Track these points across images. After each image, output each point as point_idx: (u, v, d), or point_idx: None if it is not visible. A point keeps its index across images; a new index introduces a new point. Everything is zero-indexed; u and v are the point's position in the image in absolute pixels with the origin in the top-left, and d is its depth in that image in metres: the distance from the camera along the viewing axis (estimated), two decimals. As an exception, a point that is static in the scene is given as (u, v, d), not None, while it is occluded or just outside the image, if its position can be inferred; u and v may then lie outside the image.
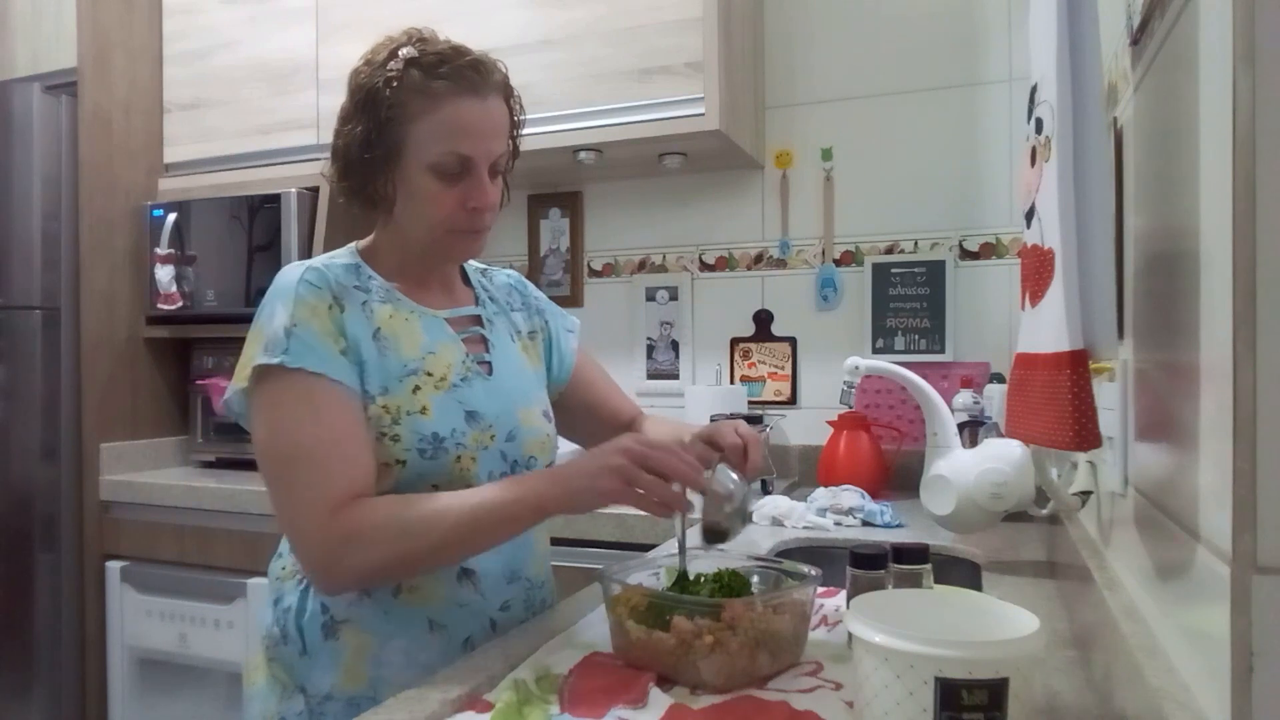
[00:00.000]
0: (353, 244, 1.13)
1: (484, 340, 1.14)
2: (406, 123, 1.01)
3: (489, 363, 1.12)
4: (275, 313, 1.00)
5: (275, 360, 0.97)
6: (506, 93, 1.08)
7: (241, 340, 1.05)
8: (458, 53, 1.04)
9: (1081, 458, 1.14)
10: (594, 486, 0.93)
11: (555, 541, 1.29)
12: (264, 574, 2.11)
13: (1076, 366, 0.74)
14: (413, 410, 1.02)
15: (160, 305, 2.46)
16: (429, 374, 1.05)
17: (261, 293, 1.04)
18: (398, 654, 1.01)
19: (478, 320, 1.16)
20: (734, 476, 1.01)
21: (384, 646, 1.01)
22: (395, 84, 1.01)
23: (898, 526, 1.70)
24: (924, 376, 1.51)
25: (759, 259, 2.36)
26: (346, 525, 0.94)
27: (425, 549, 0.96)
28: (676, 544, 1.04)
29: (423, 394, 1.03)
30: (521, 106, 1.11)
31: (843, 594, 1.19)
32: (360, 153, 1.03)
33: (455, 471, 1.04)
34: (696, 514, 1.01)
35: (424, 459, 1.01)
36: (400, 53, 1.02)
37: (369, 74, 1.04)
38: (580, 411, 1.29)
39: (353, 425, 0.99)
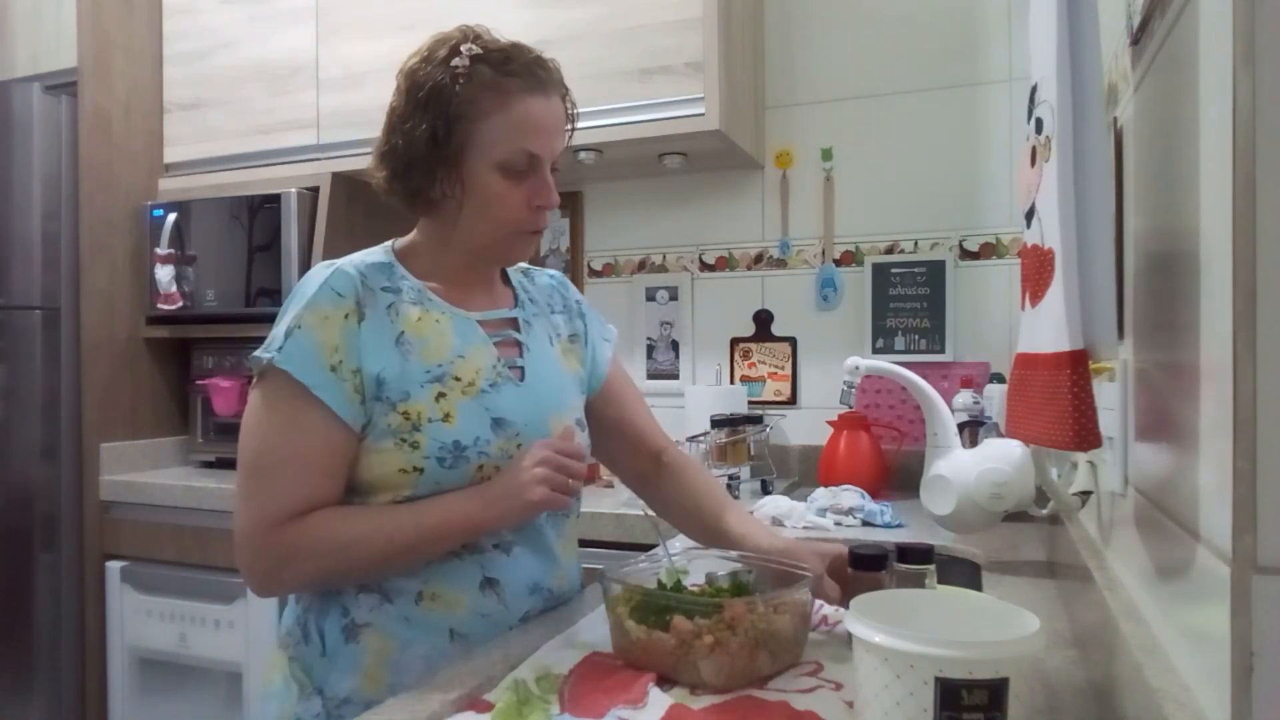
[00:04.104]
0: (389, 242, 1.11)
1: (518, 344, 1.11)
2: (477, 120, 1.00)
3: (521, 368, 1.09)
4: (288, 310, 1.00)
5: (267, 356, 0.97)
6: (564, 91, 1.07)
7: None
8: (520, 49, 1.03)
9: (1081, 458, 1.14)
10: (525, 500, 1.00)
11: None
12: (264, 574, 2.13)
13: (1076, 366, 0.74)
14: (435, 417, 1.00)
15: (160, 305, 2.46)
16: (456, 378, 1.02)
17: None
18: (417, 661, 1.00)
19: (514, 323, 1.13)
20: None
21: (404, 653, 1.00)
22: (464, 80, 0.99)
23: (898, 526, 1.70)
24: (924, 376, 1.51)
25: (759, 259, 2.36)
26: (285, 543, 0.96)
27: (358, 567, 0.99)
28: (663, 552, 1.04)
29: (447, 400, 1.01)
30: (574, 104, 1.09)
31: (843, 594, 1.19)
32: (427, 150, 1.01)
33: (476, 480, 1.02)
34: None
35: (443, 467, 0.99)
36: (462, 49, 1.01)
37: (429, 71, 1.01)
38: (605, 427, 1.23)
39: (319, 447, 0.98)
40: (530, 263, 1.25)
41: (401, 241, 1.11)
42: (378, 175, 1.07)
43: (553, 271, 1.28)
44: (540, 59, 1.04)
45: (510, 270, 1.20)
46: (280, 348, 0.97)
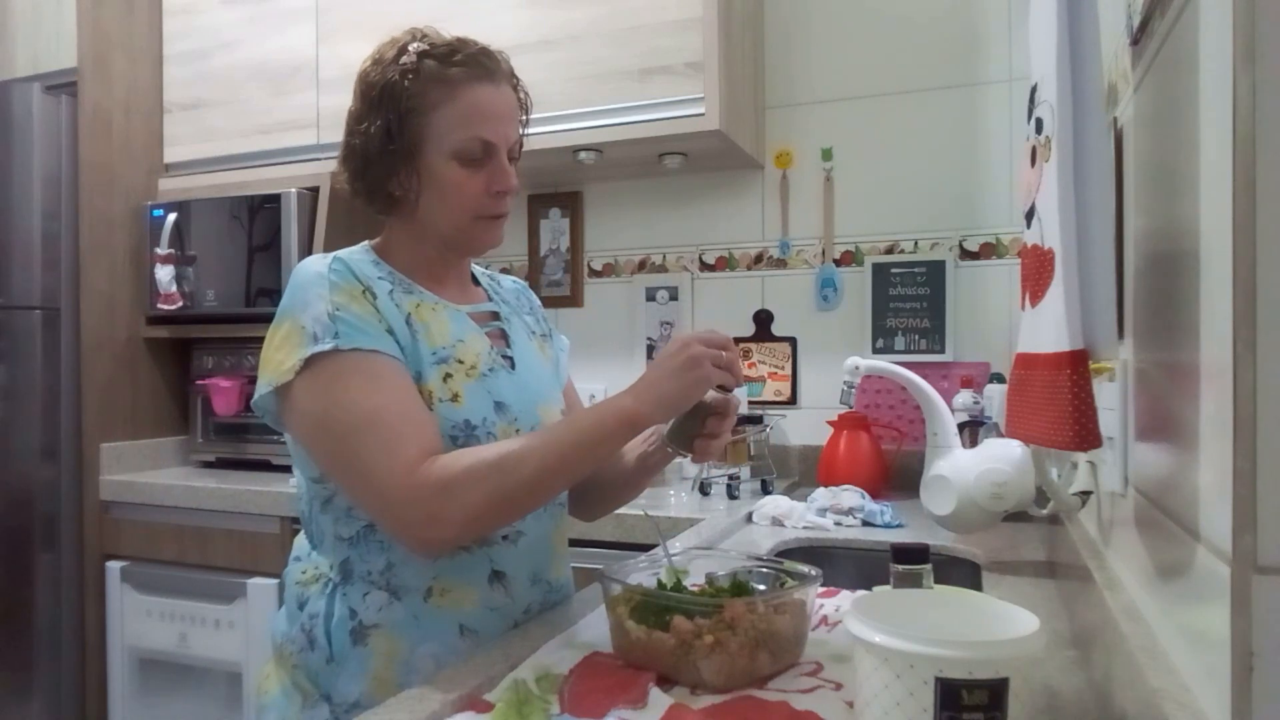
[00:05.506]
0: (364, 243, 1.12)
1: (504, 335, 1.14)
2: (427, 112, 1.02)
3: (511, 357, 1.12)
4: (310, 302, 0.98)
5: (328, 346, 0.95)
6: (513, 80, 1.10)
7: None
8: (465, 43, 1.06)
9: (1081, 458, 1.14)
10: (688, 382, 0.94)
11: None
12: (264, 574, 2.14)
13: (1076, 366, 0.74)
14: (445, 398, 1.01)
15: (160, 305, 2.46)
16: (460, 361, 1.04)
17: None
18: (427, 660, 0.99)
19: (495, 316, 1.16)
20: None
21: (414, 652, 0.99)
22: (412, 76, 1.02)
23: (898, 526, 1.70)
24: (924, 376, 1.51)
25: (759, 259, 2.36)
26: (436, 476, 0.91)
27: (523, 482, 0.93)
28: (663, 551, 1.04)
29: (454, 381, 1.02)
30: (527, 94, 1.12)
31: (843, 594, 1.19)
32: (383, 146, 1.03)
33: None
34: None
35: (456, 446, 0.99)
36: (410, 47, 1.04)
37: (380, 71, 1.05)
38: None
39: (411, 392, 0.98)
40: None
41: (375, 242, 1.13)
42: (340, 178, 1.10)
43: (514, 277, 1.32)
44: (486, 49, 1.06)
45: (476, 272, 1.22)
46: (336, 334, 0.96)
